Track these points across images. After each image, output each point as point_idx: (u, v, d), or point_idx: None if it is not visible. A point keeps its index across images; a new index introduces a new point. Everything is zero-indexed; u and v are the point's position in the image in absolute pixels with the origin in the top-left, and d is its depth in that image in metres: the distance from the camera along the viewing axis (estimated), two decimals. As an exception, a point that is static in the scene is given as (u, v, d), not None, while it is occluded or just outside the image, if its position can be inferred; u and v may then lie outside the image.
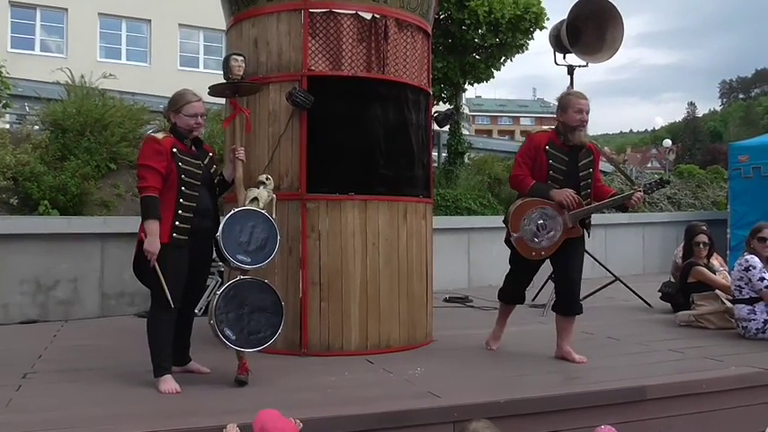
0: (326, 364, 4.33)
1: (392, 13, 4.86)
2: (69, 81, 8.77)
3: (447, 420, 3.35)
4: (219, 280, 6.08)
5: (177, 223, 3.75)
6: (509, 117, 75.78)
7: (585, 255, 4.73)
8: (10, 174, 7.09)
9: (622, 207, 4.64)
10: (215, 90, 4.15)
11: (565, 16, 7.39)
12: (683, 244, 6.67)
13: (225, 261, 3.83)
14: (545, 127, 4.86)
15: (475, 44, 10.89)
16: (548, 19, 10.82)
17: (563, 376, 4.12)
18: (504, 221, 4.58)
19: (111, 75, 9.13)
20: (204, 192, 3.90)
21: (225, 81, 4.12)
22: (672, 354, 4.75)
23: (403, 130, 4.92)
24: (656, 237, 11.45)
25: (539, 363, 4.48)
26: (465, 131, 14.14)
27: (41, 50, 19.96)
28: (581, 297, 4.59)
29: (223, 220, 3.79)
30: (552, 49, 7.76)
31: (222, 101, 4.87)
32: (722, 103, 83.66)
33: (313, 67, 4.71)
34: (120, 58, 20.46)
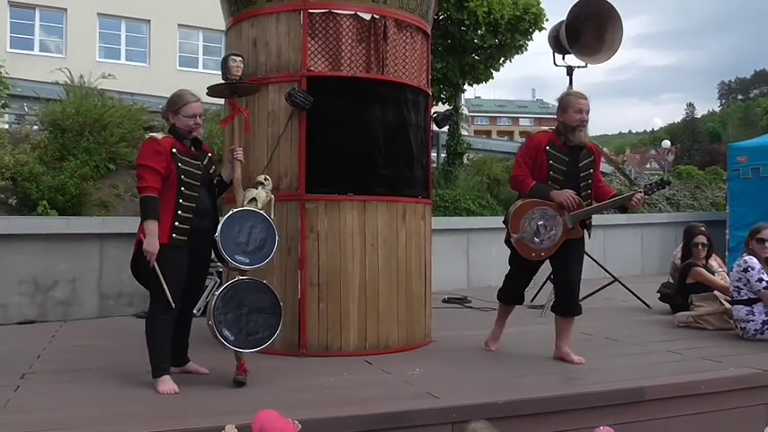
0: (325, 365, 4.33)
1: (391, 14, 4.86)
2: (68, 81, 8.76)
3: (446, 421, 3.35)
4: (218, 280, 6.07)
5: (176, 224, 3.74)
6: (508, 118, 75.76)
7: (584, 255, 4.73)
8: (9, 174, 7.08)
9: (622, 208, 4.65)
10: (213, 90, 4.15)
11: (564, 17, 7.40)
12: (681, 245, 6.68)
13: (223, 261, 3.83)
14: (544, 127, 4.86)
15: (474, 45, 10.90)
16: (547, 20, 10.84)
17: (562, 377, 4.12)
18: (504, 222, 4.58)
19: (110, 75, 9.12)
20: (203, 192, 3.90)
21: (223, 81, 4.12)
22: (670, 355, 4.75)
23: (402, 130, 4.92)
24: (655, 238, 11.46)
25: (537, 363, 4.48)
26: (464, 132, 14.15)
27: (40, 50, 19.94)
28: (580, 298, 4.60)
29: (221, 221, 3.79)
30: (551, 50, 7.76)
31: (221, 101, 4.86)
32: (721, 104, 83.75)
33: (312, 68, 4.71)
34: (119, 59, 20.44)
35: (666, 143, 41.11)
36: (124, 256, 5.64)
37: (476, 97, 66.68)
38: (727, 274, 6.35)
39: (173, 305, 3.71)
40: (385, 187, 4.82)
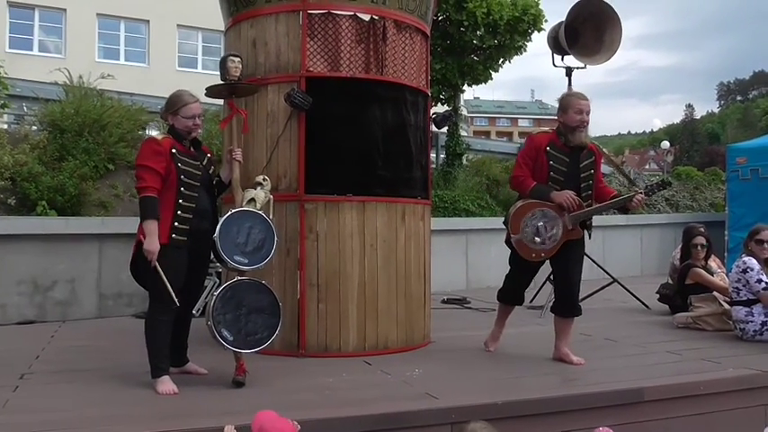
0: (324, 366, 4.32)
1: (391, 15, 4.86)
2: (68, 81, 8.76)
3: (445, 422, 3.35)
4: (217, 281, 6.07)
5: (176, 224, 3.74)
6: (507, 118, 75.75)
7: (584, 256, 4.72)
8: (8, 174, 7.08)
9: (623, 209, 4.65)
10: (212, 91, 4.15)
11: (563, 18, 7.40)
12: (680, 246, 6.68)
13: (222, 262, 3.83)
14: (545, 128, 4.85)
15: (473, 46, 10.91)
16: (546, 21, 10.85)
17: (561, 378, 4.13)
18: (504, 223, 4.58)
19: (109, 75, 9.12)
20: (203, 193, 3.90)
21: (222, 82, 4.12)
22: (670, 355, 4.75)
23: (401, 131, 4.92)
24: (654, 238, 11.47)
25: (536, 364, 4.48)
26: (463, 133, 14.14)
27: (40, 51, 19.93)
28: (579, 299, 4.60)
29: (220, 222, 3.78)
30: (550, 51, 7.76)
31: (220, 101, 4.87)
32: (720, 105, 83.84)
33: (311, 69, 4.71)
34: (118, 59, 20.43)
35: (665, 144, 41.21)
36: (123, 257, 5.64)
37: (475, 98, 66.67)
38: (727, 275, 6.35)
39: (176, 302, 3.71)
40: (384, 188, 4.82)
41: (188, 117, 3.85)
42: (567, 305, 4.52)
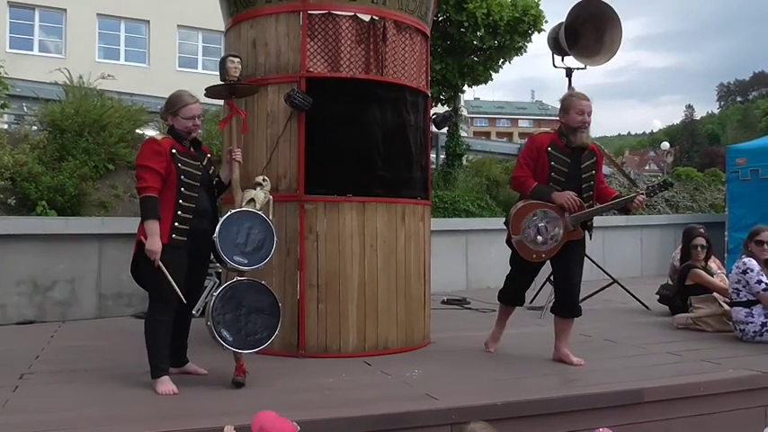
0: (324, 366, 4.32)
1: (391, 15, 4.86)
2: (68, 81, 8.76)
3: (444, 422, 3.35)
4: (217, 281, 6.07)
5: (176, 224, 3.75)
6: (507, 119, 75.74)
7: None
8: (8, 174, 7.08)
9: (624, 209, 4.64)
10: (211, 91, 4.15)
11: (563, 19, 7.40)
12: (680, 246, 6.67)
13: (222, 262, 3.83)
14: (546, 129, 4.85)
15: (473, 46, 10.90)
16: (546, 21, 10.84)
17: (560, 379, 4.12)
18: (505, 223, 4.58)
19: (109, 75, 9.12)
20: (203, 193, 3.90)
21: (221, 82, 4.12)
22: (669, 356, 4.75)
23: (401, 131, 4.92)
24: (654, 239, 11.47)
25: (536, 365, 4.48)
26: (463, 133, 14.14)
27: (40, 51, 19.94)
28: (579, 299, 4.59)
29: (219, 222, 3.78)
30: (550, 52, 7.76)
31: (221, 102, 4.86)
32: (720, 106, 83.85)
33: (311, 69, 4.71)
34: (118, 59, 20.45)
35: (665, 145, 41.22)
36: (123, 257, 5.65)
37: (475, 98, 66.67)
38: (726, 276, 6.35)
39: (184, 300, 3.73)
40: (384, 188, 4.81)
41: (188, 118, 3.85)
42: (567, 306, 4.52)
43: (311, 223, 4.66)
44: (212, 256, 3.91)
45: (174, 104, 3.89)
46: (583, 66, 7.63)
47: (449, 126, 10.71)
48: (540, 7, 10.95)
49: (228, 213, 3.81)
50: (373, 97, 4.79)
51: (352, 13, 4.74)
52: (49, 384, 3.90)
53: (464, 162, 12.21)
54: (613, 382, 3.97)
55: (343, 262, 4.66)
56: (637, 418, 3.71)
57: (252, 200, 3.98)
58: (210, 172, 4.03)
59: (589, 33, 7.48)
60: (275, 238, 3.90)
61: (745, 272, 5.27)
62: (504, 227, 4.57)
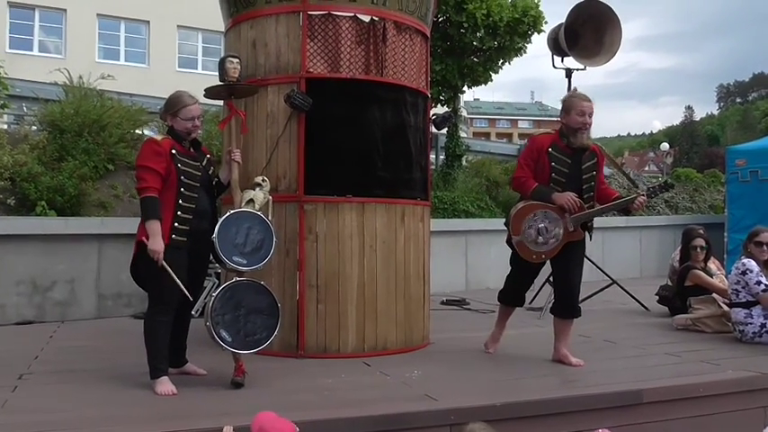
0: (323, 367, 4.32)
1: (391, 16, 4.86)
2: (67, 82, 8.75)
3: (444, 423, 3.35)
4: (216, 281, 6.07)
5: (176, 224, 3.75)
6: (507, 120, 75.77)
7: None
8: (7, 174, 7.08)
9: (624, 210, 4.64)
10: (211, 92, 4.15)
11: (563, 19, 7.40)
12: (680, 247, 6.67)
13: (221, 263, 3.83)
14: (544, 129, 4.85)
15: (473, 47, 10.91)
16: (546, 22, 10.85)
17: (560, 379, 4.12)
18: (505, 224, 4.58)
19: (109, 76, 9.11)
20: (202, 193, 3.90)
21: (221, 83, 4.12)
22: (669, 357, 4.75)
23: (401, 132, 4.92)
24: (654, 240, 11.47)
25: (536, 366, 4.48)
26: (463, 134, 14.13)
27: (40, 51, 19.93)
28: (579, 300, 4.59)
29: (218, 222, 3.78)
30: (550, 53, 7.77)
31: (220, 102, 4.86)
32: (720, 107, 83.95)
33: (311, 70, 4.71)
34: (118, 59, 20.45)
35: (665, 146, 41.19)
36: (123, 257, 5.65)
37: (475, 99, 66.75)
38: (726, 277, 6.35)
39: (190, 298, 3.76)
40: (384, 189, 4.81)
41: (187, 119, 3.85)
42: (566, 306, 4.52)
43: (311, 224, 4.65)
44: (212, 257, 3.91)
45: (174, 105, 3.89)
46: (582, 67, 7.64)
47: (448, 127, 10.73)
48: (540, 8, 10.97)
49: (227, 214, 3.81)
50: (373, 98, 4.79)
51: (352, 14, 4.74)
52: (48, 385, 3.89)
53: (464, 163, 12.22)
54: (613, 383, 3.97)
55: (342, 262, 4.66)
56: (636, 419, 3.71)
57: (251, 200, 3.98)
58: (210, 172, 4.03)
59: (589, 34, 7.48)
60: (274, 239, 3.90)
61: (744, 273, 5.27)
62: (504, 228, 4.57)
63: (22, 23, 19.69)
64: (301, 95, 4.57)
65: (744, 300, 5.28)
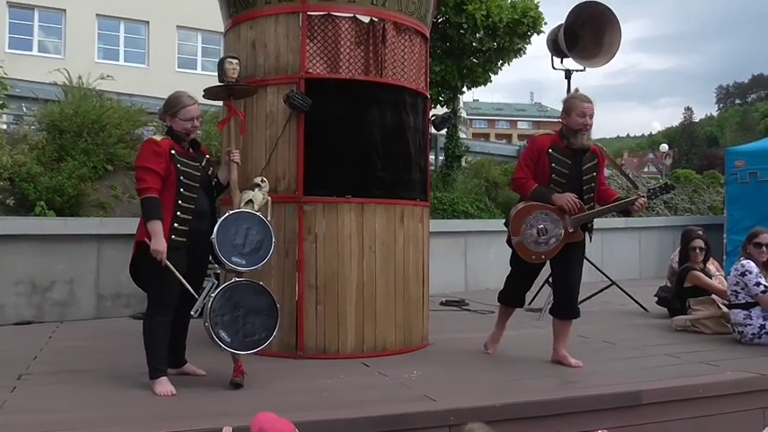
0: (322, 367, 4.32)
1: (390, 17, 4.86)
2: (67, 82, 8.75)
3: (443, 424, 3.34)
4: (216, 282, 6.06)
5: (176, 225, 3.74)
6: (506, 121, 75.81)
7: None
8: (6, 174, 7.07)
9: (624, 211, 4.64)
10: (210, 93, 4.15)
11: (562, 21, 7.41)
12: (679, 248, 6.68)
13: (220, 263, 3.83)
14: (545, 130, 4.85)
15: (473, 48, 10.91)
16: (545, 23, 10.85)
17: (559, 380, 4.12)
18: (505, 224, 4.58)
19: (108, 76, 9.10)
20: (202, 194, 3.90)
21: (220, 84, 4.12)
22: (668, 358, 4.75)
23: (400, 133, 4.92)
24: (653, 241, 11.47)
25: (535, 367, 4.48)
26: (462, 135, 14.14)
27: (39, 51, 19.92)
28: (578, 301, 4.59)
29: (217, 223, 3.78)
30: (550, 54, 7.77)
31: (219, 103, 4.86)
32: (719, 109, 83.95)
33: (311, 70, 4.71)
34: (117, 60, 20.44)
35: (664, 147, 41.22)
36: (122, 258, 5.65)
37: (474, 100, 66.81)
38: (725, 278, 6.35)
39: (195, 295, 3.76)
40: (383, 190, 4.81)
41: (186, 119, 3.85)
42: (565, 307, 4.52)
43: (310, 224, 4.65)
44: (211, 257, 3.91)
45: (173, 106, 3.89)
46: (582, 68, 7.64)
47: (448, 128, 10.73)
48: (540, 9, 10.97)
49: (226, 214, 3.81)
50: (372, 99, 4.79)
51: (352, 15, 4.74)
52: (46, 385, 3.89)
53: (463, 163, 12.22)
54: (612, 384, 3.97)
55: (341, 263, 4.66)
56: (635, 420, 3.71)
57: (250, 201, 3.98)
58: (209, 173, 4.03)
59: (588, 35, 7.49)
60: (273, 240, 3.90)
61: (743, 274, 5.27)
62: (504, 228, 4.57)
63: (21, 23, 19.69)
64: (300, 96, 4.57)
65: (743, 301, 5.29)
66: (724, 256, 9.62)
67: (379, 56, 4.82)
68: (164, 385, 3.67)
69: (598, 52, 7.47)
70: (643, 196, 4.47)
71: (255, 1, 4.84)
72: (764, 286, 5.16)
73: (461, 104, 17.25)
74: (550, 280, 5.09)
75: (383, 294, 4.78)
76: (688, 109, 78.13)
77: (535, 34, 10.92)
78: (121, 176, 7.99)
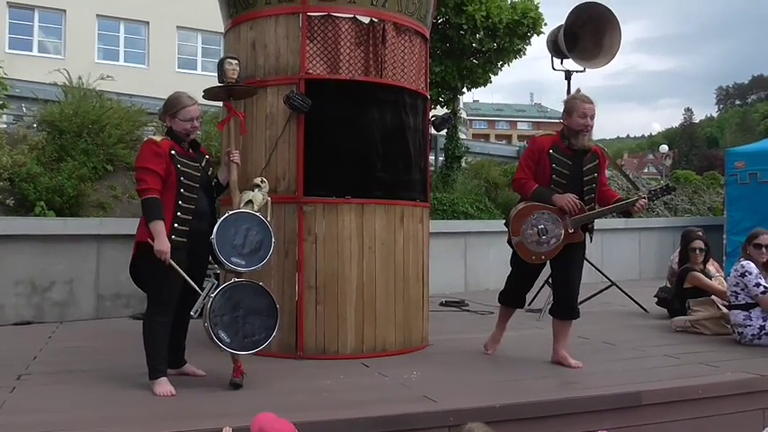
0: (322, 368, 4.32)
1: (390, 17, 4.86)
2: (67, 82, 8.76)
3: (443, 425, 3.34)
4: (215, 282, 6.06)
5: (176, 225, 3.74)
6: (506, 121, 75.87)
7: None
8: (6, 175, 7.08)
9: (625, 212, 4.63)
10: (210, 93, 4.15)
11: (562, 21, 7.41)
12: (679, 249, 6.68)
13: (219, 264, 3.83)
14: (546, 131, 4.85)
15: (473, 49, 10.92)
16: (545, 24, 10.86)
17: (559, 381, 4.12)
18: (505, 224, 4.58)
19: (108, 76, 9.11)
20: (202, 194, 3.90)
21: (219, 84, 4.12)
22: (668, 359, 4.75)
23: (400, 133, 4.92)
24: (653, 242, 11.47)
25: (535, 367, 4.48)
26: (462, 135, 14.14)
27: (39, 51, 19.92)
28: (578, 302, 4.59)
29: (217, 223, 3.78)
30: (550, 55, 7.78)
31: (219, 103, 4.86)
32: (719, 110, 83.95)
33: (311, 71, 4.71)
34: (117, 60, 20.45)
35: (664, 148, 41.20)
36: (121, 258, 5.65)
37: (474, 101, 66.87)
38: (725, 279, 6.35)
39: (200, 292, 3.78)
40: (383, 190, 4.81)
41: (186, 120, 3.85)
42: (565, 308, 4.52)
43: (310, 225, 4.65)
44: (210, 258, 3.91)
45: (173, 106, 3.89)
46: (582, 68, 7.64)
47: (448, 128, 10.73)
48: (540, 10, 10.97)
49: (226, 215, 3.81)
50: (372, 99, 4.79)
51: (352, 15, 4.74)
52: (46, 385, 3.89)
53: (463, 164, 12.22)
54: (612, 385, 3.97)
55: (341, 264, 4.66)
56: (635, 421, 3.71)
57: (250, 201, 3.98)
58: (209, 173, 4.03)
59: (588, 36, 7.50)
60: (273, 240, 3.90)
61: (743, 275, 5.27)
62: (504, 229, 4.57)
63: (21, 24, 19.69)
64: (300, 96, 4.57)
65: (743, 302, 5.29)
66: (724, 257, 9.62)
67: (378, 56, 4.82)
68: (163, 386, 3.67)
69: (598, 53, 7.48)
70: (644, 197, 4.47)
71: (255, 1, 4.84)
72: (764, 287, 5.16)
73: (461, 105, 17.26)
74: (550, 280, 5.09)
75: (383, 295, 4.78)
76: (688, 110, 78.19)
77: (535, 35, 10.93)
78: (121, 177, 7.99)
